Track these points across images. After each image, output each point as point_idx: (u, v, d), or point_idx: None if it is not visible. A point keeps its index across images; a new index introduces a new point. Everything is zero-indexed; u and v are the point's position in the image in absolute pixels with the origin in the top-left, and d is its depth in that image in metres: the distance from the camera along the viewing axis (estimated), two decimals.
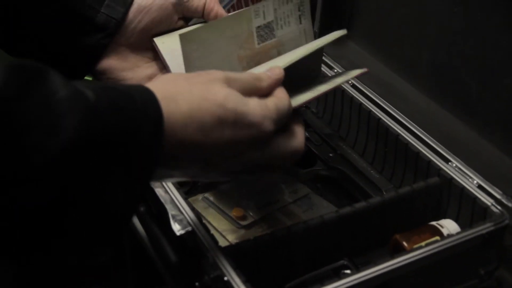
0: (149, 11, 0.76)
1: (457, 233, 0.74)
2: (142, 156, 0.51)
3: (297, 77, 0.67)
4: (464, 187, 0.80)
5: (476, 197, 0.78)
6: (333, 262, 0.77)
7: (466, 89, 0.87)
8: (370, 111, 0.92)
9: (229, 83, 0.58)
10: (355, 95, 0.95)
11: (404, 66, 0.97)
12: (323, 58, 1.01)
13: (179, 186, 0.74)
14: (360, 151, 0.95)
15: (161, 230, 0.73)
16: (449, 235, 0.74)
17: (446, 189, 0.82)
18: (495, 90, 0.83)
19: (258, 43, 0.75)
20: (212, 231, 0.71)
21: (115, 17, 0.74)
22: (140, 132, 0.51)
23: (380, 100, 0.94)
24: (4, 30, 0.74)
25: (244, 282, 0.64)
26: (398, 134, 0.88)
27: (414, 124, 0.89)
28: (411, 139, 0.87)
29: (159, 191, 0.73)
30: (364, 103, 0.94)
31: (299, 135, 0.63)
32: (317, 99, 1.02)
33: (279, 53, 0.77)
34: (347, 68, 0.99)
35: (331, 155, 0.93)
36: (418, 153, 0.85)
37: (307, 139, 0.96)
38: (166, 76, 0.61)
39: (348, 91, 0.96)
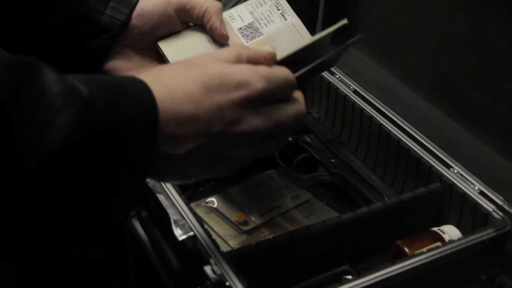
0: (151, 18, 0.76)
1: (459, 239, 0.74)
2: (139, 145, 0.51)
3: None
4: (465, 193, 0.80)
5: (478, 203, 0.78)
6: (334, 268, 0.77)
7: (468, 95, 0.87)
8: (372, 116, 0.92)
9: (219, 57, 0.58)
10: (356, 101, 0.95)
11: (406, 72, 0.98)
12: None
13: (181, 191, 0.75)
14: (361, 156, 0.95)
15: (163, 235, 0.73)
16: (451, 241, 0.74)
17: (447, 195, 0.82)
18: (497, 96, 0.83)
19: (247, 41, 0.80)
20: (214, 236, 0.72)
21: (119, 18, 0.75)
22: (135, 123, 0.50)
23: (382, 106, 0.93)
24: (9, 33, 0.75)
25: (246, 287, 0.64)
26: (400, 140, 0.88)
27: (415, 130, 0.89)
28: (413, 145, 0.87)
29: (161, 197, 0.73)
30: (366, 108, 0.94)
31: (299, 99, 0.61)
32: (319, 105, 1.02)
33: (273, 48, 0.79)
34: (350, 75, 0.99)
35: (332, 160, 0.93)
36: (420, 159, 0.85)
37: (308, 145, 0.96)
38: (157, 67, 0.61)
39: (350, 97, 0.96)
